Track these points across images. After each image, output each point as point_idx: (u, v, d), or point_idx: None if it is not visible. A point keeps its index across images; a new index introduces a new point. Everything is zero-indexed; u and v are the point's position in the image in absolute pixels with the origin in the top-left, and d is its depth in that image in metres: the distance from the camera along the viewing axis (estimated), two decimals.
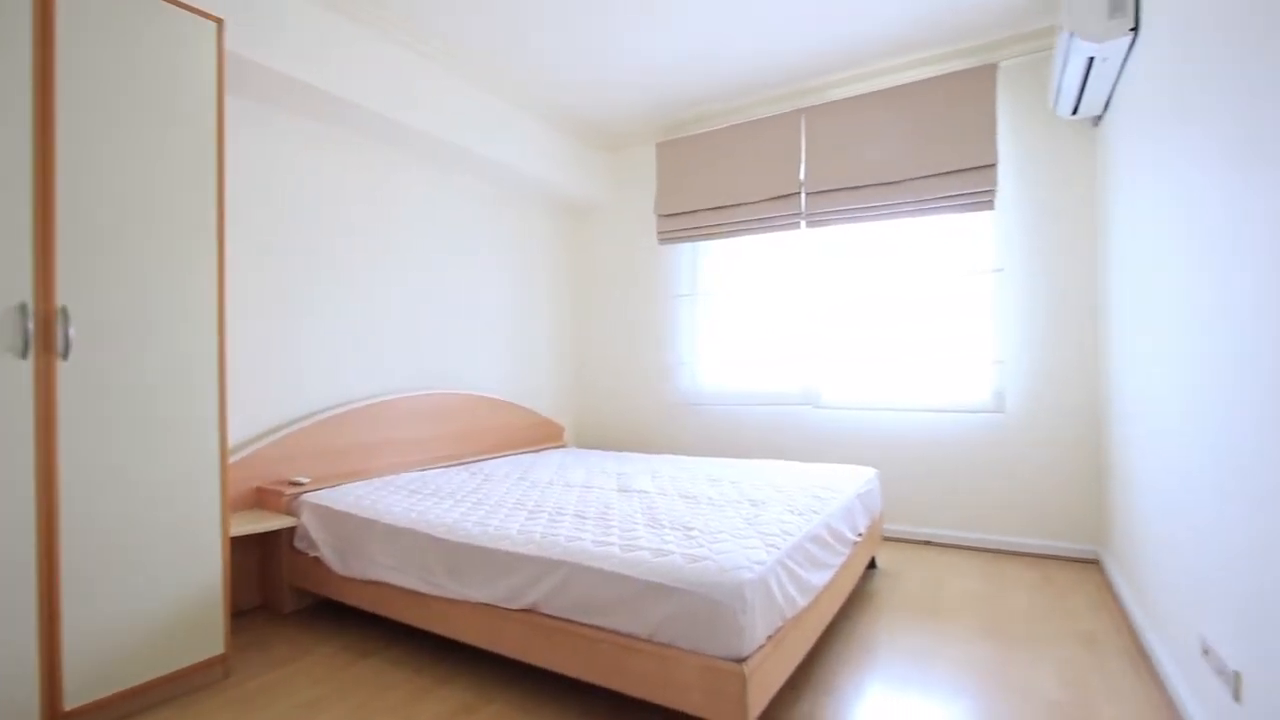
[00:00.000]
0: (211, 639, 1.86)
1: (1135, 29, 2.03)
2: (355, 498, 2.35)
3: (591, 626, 1.61)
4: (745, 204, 3.70)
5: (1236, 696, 1.27)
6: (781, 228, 3.62)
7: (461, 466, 3.12)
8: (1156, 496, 1.88)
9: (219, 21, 1.87)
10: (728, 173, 3.76)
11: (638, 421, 4.30)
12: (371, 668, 1.98)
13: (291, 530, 2.39)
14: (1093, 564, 2.90)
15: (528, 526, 1.94)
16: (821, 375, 3.62)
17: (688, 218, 3.93)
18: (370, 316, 3.05)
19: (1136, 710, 1.67)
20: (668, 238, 4.02)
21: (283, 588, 2.41)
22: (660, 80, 3.44)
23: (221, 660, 1.89)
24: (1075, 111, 2.64)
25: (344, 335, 2.92)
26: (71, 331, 1.57)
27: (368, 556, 2.12)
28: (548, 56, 3.16)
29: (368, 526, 2.15)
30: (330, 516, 2.27)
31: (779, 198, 3.59)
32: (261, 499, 2.48)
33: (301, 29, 2.46)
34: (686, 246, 4.13)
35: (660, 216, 4.05)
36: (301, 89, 2.51)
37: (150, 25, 1.73)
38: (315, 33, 2.51)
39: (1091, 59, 2.20)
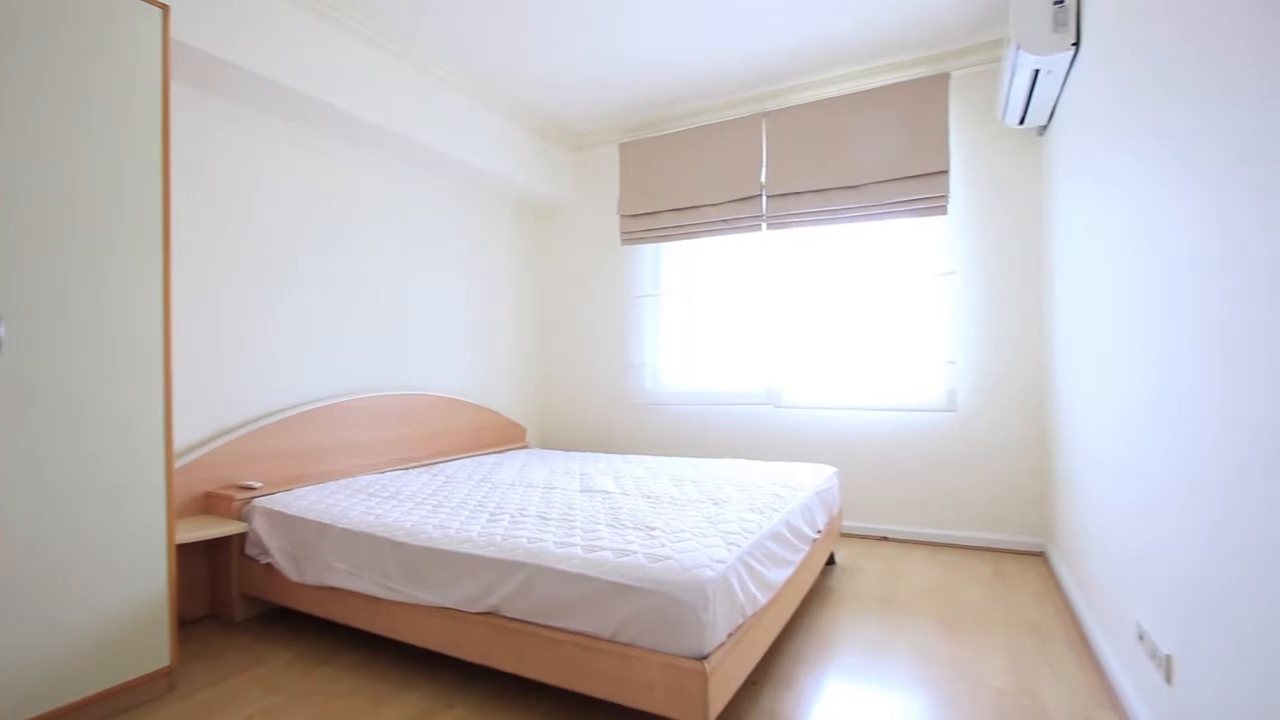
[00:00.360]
0: (156, 651, 1.78)
1: (1077, 44, 2.12)
2: (310, 502, 2.29)
3: (554, 628, 1.60)
4: (707, 206, 3.74)
5: (1168, 679, 1.34)
6: (743, 230, 3.67)
7: (422, 469, 3.07)
8: (1096, 492, 1.97)
9: (164, 8, 1.80)
10: (690, 174, 3.79)
11: (601, 422, 4.30)
12: (327, 675, 1.93)
13: (242, 536, 2.32)
14: (1039, 556, 3.02)
15: (489, 529, 1.92)
16: (783, 375, 3.68)
17: (650, 218, 3.95)
18: (327, 315, 2.97)
19: (1077, 694, 1.75)
20: (631, 238, 4.03)
21: (233, 596, 2.33)
22: (623, 80, 3.45)
23: (167, 673, 1.81)
24: (1022, 121, 2.75)
25: (299, 334, 2.84)
26: (1, 330, 1.49)
27: (323, 562, 2.07)
28: (510, 54, 3.14)
29: (323, 531, 2.09)
30: (283, 521, 2.21)
31: (740, 200, 3.63)
32: (211, 504, 2.39)
33: (258, 22, 2.38)
34: (649, 247, 4.15)
35: (623, 217, 4.05)
36: (257, 82, 2.43)
37: (89, 8, 1.65)
38: (273, 26, 2.43)
39: (1037, 71, 2.30)
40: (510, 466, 3.09)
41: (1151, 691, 1.45)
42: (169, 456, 1.82)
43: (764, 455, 3.71)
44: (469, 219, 3.90)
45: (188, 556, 2.34)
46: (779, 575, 1.88)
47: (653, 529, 1.84)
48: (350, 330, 3.09)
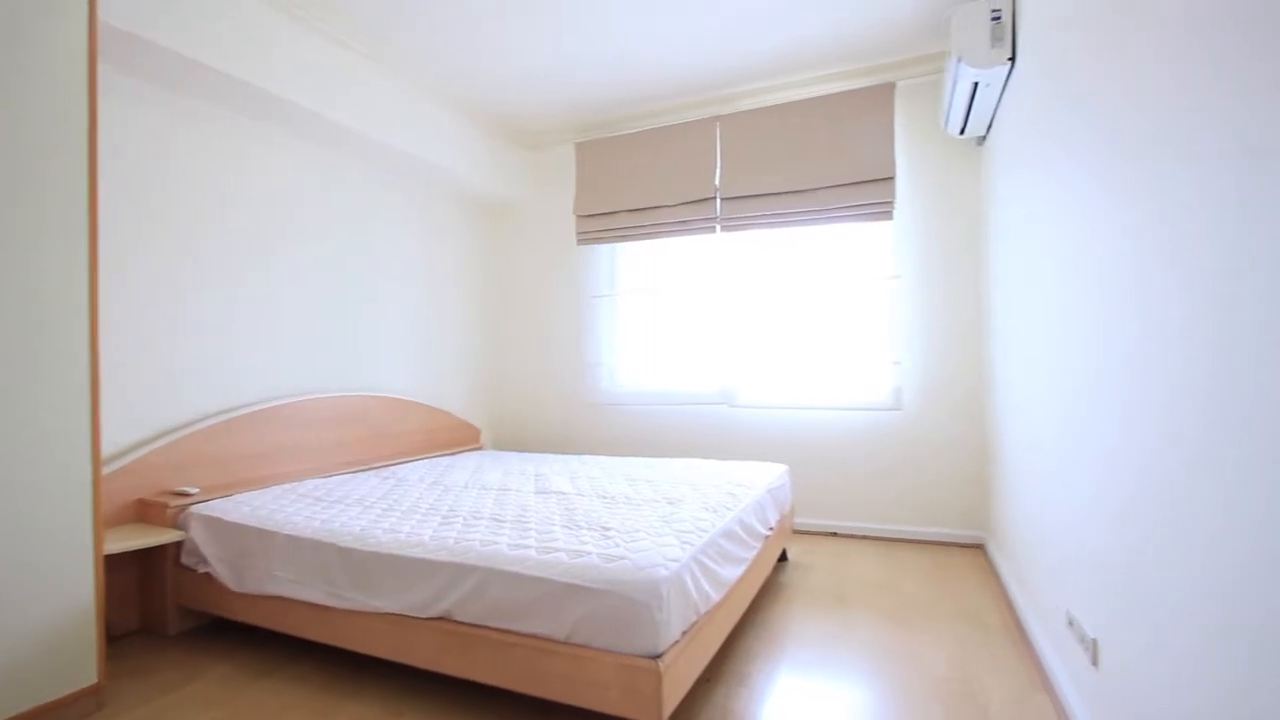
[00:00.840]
0: (82, 668, 1.69)
1: (1013, 59, 2.22)
2: (251, 508, 2.21)
3: (507, 631, 1.58)
4: (663, 207, 3.76)
5: (1094, 661, 1.41)
6: (698, 231, 3.71)
7: (371, 472, 2.99)
8: (1030, 487, 2.07)
9: None
10: (646, 176, 3.81)
11: (556, 422, 4.27)
12: (270, 688, 1.86)
13: (177, 545, 2.21)
14: (979, 549, 3.15)
15: (442, 532, 1.89)
16: (737, 375, 3.73)
17: (606, 219, 3.95)
18: (269, 314, 2.86)
19: (1013, 679, 1.84)
20: (586, 238, 4.02)
21: (167, 608, 2.22)
22: (578, 80, 3.44)
23: (95, 691, 1.72)
24: (963, 131, 2.86)
25: (239, 332, 2.73)
26: None
27: (265, 570, 1.99)
28: (462, 50, 3.09)
29: (265, 538, 2.02)
30: (223, 529, 2.12)
31: (695, 202, 3.67)
32: (143, 512, 2.28)
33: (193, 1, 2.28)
34: (605, 247, 4.15)
35: (579, 217, 4.04)
36: (192, 67, 2.32)
37: None
38: (212, 7, 2.33)
39: (976, 84, 2.40)
40: (464, 468, 3.04)
41: (1080, 674, 1.53)
42: (96, 462, 1.72)
43: (719, 454, 3.76)
44: (421, 217, 3.82)
45: (118, 567, 2.22)
46: (732, 573, 1.91)
47: (608, 529, 1.84)
48: (294, 329, 2.99)
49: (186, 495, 2.32)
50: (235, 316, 2.71)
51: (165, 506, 2.22)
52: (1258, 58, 0.76)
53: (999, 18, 2.20)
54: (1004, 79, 2.34)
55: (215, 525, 2.14)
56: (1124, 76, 1.19)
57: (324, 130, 2.96)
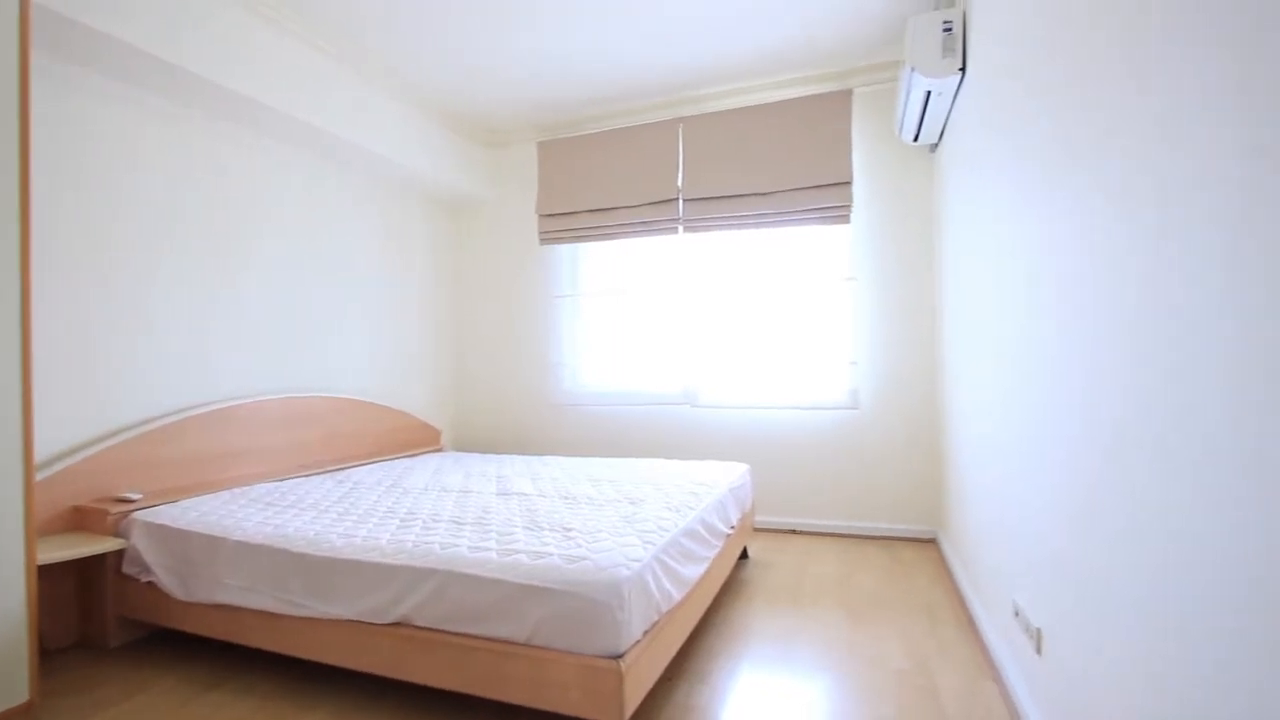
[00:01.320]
0: (13, 686, 1.60)
1: (963, 69, 2.30)
2: (199, 514, 2.13)
3: (467, 635, 1.56)
4: (625, 208, 3.77)
5: (1038, 650, 1.48)
6: (660, 232, 3.73)
7: (327, 475, 2.91)
8: (979, 482, 2.15)
9: None
10: (608, 176, 3.81)
11: (518, 423, 4.23)
12: (218, 701, 1.80)
13: (119, 554, 2.12)
14: (931, 543, 3.24)
15: (399, 535, 1.86)
16: (699, 376, 3.76)
17: (569, 218, 3.93)
18: (220, 311, 2.76)
19: (964, 669, 1.90)
20: (549, 238, 4.00)
21: (107, 619, 2.13)
22: (540, 79, 3.42)
23: (26, 709, 1.63)
24: (917, 138, 2.94)
25: (187, 332, 2.62)
26: None
27: (214, 578, 1.93)
28: (420, 44, 3.03)
29: (214, 545, 1.95)
30: (168, 536, 2.03)
31: (658, 203, 3.69)
32: (81, 520, 2.17)
33: None
34: (568, 247, 4.13)
35: (541, 216, 4.02)
36: (141, 58, 2.23)
37: None
38: (174, 2, 2.24)
39: (929, 92, 2.47)
40: (423, 470, 2.99)
41: (1025, 661, 1.60)
42: (28, 466, 1.64)
43: (681, 454, 3.78)
44: (379, 213, 3.74)
45: (53, 578, 2.11)
46: (694, 571, 1.93)
47: (569, 530, 1.84)
48: (249, 328, 2.89)
49: (129, 501, 2.22)
50: (186, 314, 2.61)
51: (105, 513, 2.12)
52: (1187, 73, 0.80)
53: (950, 29, 2.27)
54: (955, 89, 2.42)
55: (160, 532, 2.05)
56: (1064, 89, 1.25)
57: (284, 127, 2.88)
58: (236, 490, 2.50)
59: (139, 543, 2.07)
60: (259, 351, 2.95)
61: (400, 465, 3.20)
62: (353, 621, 1.70)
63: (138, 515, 2.13)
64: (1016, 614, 1.65)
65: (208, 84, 2.47)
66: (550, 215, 3.98)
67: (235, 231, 2.85)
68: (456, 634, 1.57)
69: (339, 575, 1.73)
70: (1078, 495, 1.21)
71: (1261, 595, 0.66)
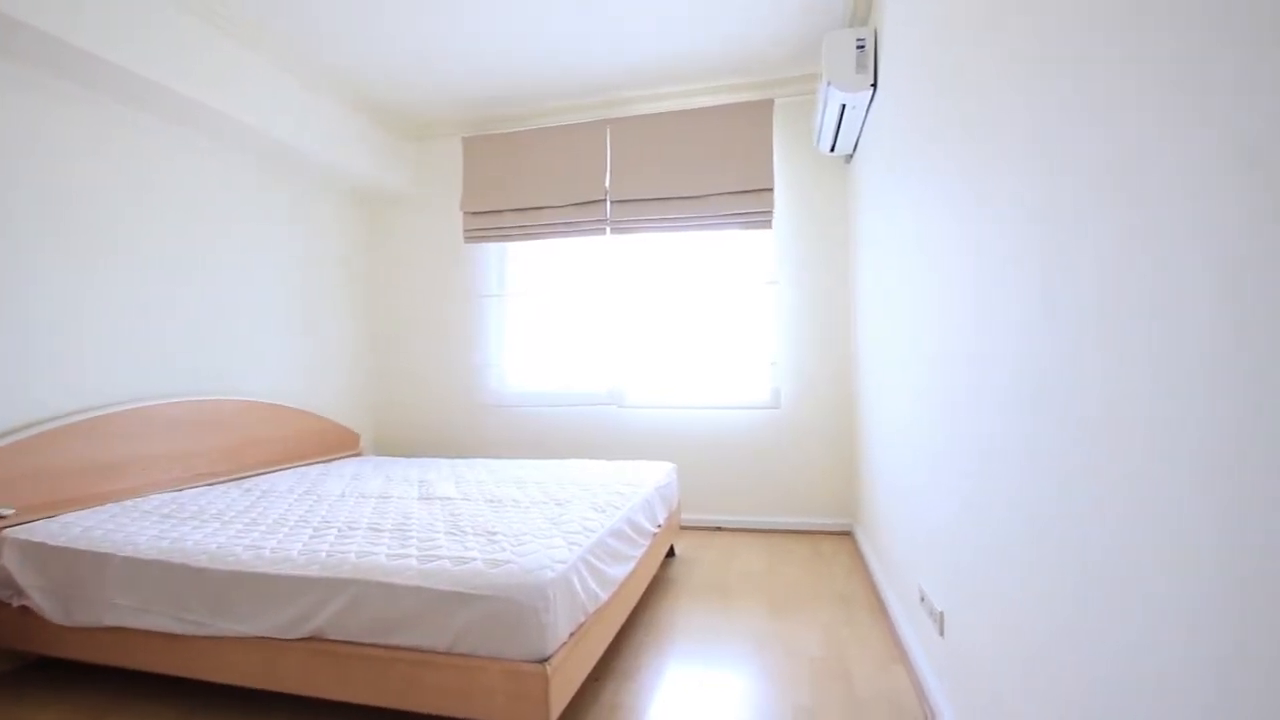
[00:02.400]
0: None
1: (875, 85, 2.43)
2: (83, 529, 1.95)
3: (386, 647, 1.51)
4: (553, 207, 3.74)
5: (941, 632, 1.58)
6: (588, 233, 3.72)
7: (233, 484, 2.74)
8: (887, 475, 2.27)
9: None
10: (536, 175, 3.77)
11: (443, 425, 4.12)
12: None
13: None
14: (848, 535, 3.40)
15: (313, 545, 1.77)
16: (626, 376, 3.78)
17: (495, 217, 3.86)
18: (108, 306, 2.54)
19: (875, 653, 2.01)
20: (474, 236, 3.92)
21: None
22: (464, 71, 3.34)
23: None
24: (833, 149, 3.08)
25: (76, 328, 2.39)
26: None
27: (101, 600, 1.77)
28: (339, 31, 2.90)
29: (101, 563, 1.79)
30: (45, 555, 1.86)
31: (586, 203, 3.68)
32: None
33: None
34: (495, 246, 4.06)
35: (466, 214, 3.93)
36: (19, 30, 2.02)
37: None
38: None
39: (844, 106, 2.59)
40: (340, 476, 2.86)
41: (930, 643, 1.71)
42: None
43: (608, 454, 3.79)
44: (290, 206, 3.55)
45: None
46: (620, 571, 1.94)
47: (494, 534, 1.81)
48: (144, 326, 2.67)
49: None
50: (58, 311, 2.38)
51: None
52: (1051, 106, 0.88)
53: (863, 46, 2.39)
54: (868, 103, 2.55)
55: (36, 551, 1.87)
56: (960, 108, 1.34)
57: (175, 106, 2.67)
58: (127, 503, 2.31)
59: (10, 563, 1.88)
60: (150, 351, 2.73)
61: (315, 471, 3.04)
62: (261, 639, 1.61)
63: (8, 533, 1.93)
64: (922, 599, 1.76)
65: (123, 71, 2.27)
66: (476, 213, 3.90)
67: (140, 224, 2.63)
68: (375, 646, 1.52)
69: (245, 590, 1.63)
70: (970, 484, 1.30)
71: (1127, 567, 0.74)
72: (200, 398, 2.88)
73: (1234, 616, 0.55)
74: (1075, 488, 0.85)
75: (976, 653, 1.30)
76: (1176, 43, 0.63)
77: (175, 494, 2.48)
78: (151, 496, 2.42)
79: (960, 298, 1.37)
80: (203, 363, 2.98)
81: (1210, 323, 0.58)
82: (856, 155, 3.08)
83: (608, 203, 3.65)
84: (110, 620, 1.76)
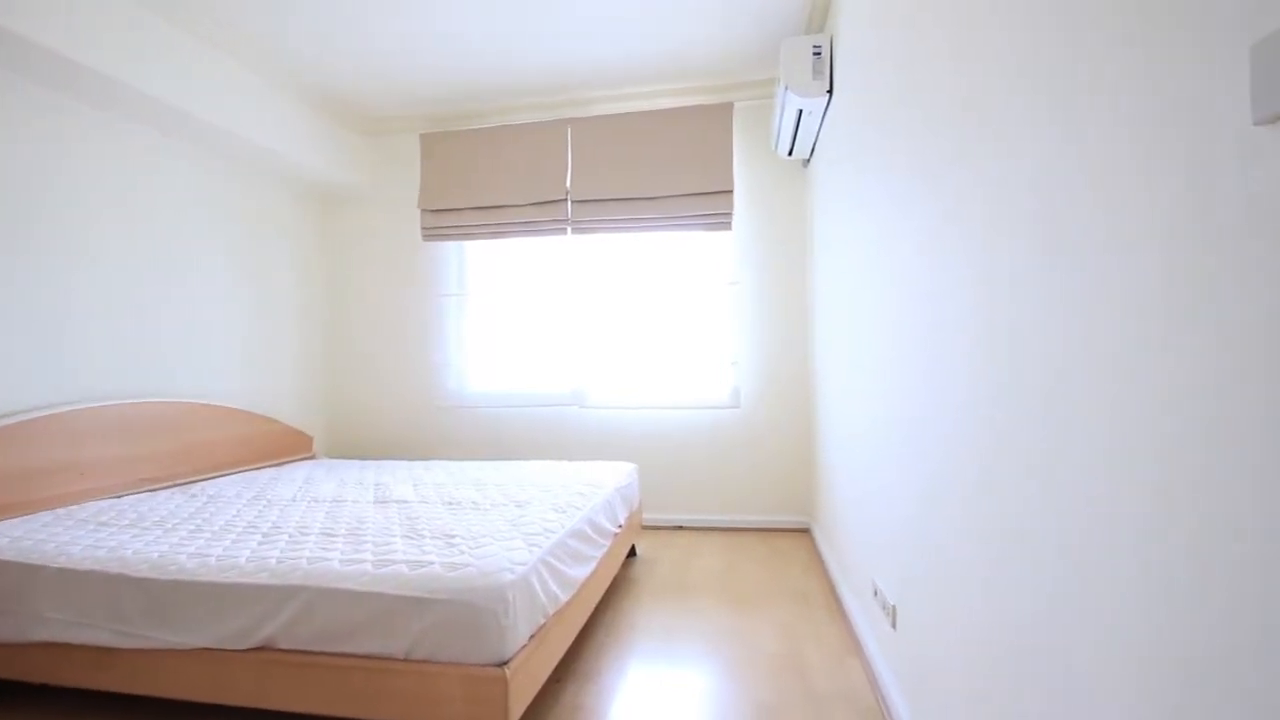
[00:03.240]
0: None
1: (831, 91, 2.48)
2: (9, 539, 1.85)
3: (340, 655, 1.48)
4: (513, 206, 3.70)
5: (894, 625, 1.62)
6: (549, 233, 3.70)
7: (177, 489, 2.63)
8: (843, 473, 2.33)
9: None
10: (496, 173, 3.73)
11: (400, 426, 4.04)
12: None
13: None
14: (806, 533, 3.47)
15: (262, 551, 1.72)
16: (587, 376, 3.78)
17: (453, 215, 3.81)
18: (43, 302, 2.41)
19: (832, 648, 2.05)
20: (432, 234, 3.85)
21: None
22: (422, 66, 3.28)
23: None
24: (791, 153, 3.14)
25: (5, 326, 2.27)
26: None
27: (31, 613, 1.68)
28: (293, 24, 2.81)
29: (29, 574, 1.70)
30: None
31: (546, 203, 3.66)
32: None
33: None
34: (454, 245, 4.00)
35: (424, 212, 3.86)
36: None
37: None
38: None
39: (801, 110, 2.64)
40: (291, 480, 2.77)
41: (883, 637, 1.75)
42: None
43: (569, 455, 3.78)
44: (239, 202, 3.42)
45: None
46: (581, 572, 1.94)
47: (452, 537, 1.79)
48: (81, 325, 2.54)
49: None
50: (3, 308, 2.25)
51: None
52: (1009, 119, 0.92)
53: (819, 53, 2.44)
54: (824, 108, 2.61)
55: None
56: (911, 115, 1.39)
57: (134, 104, 2.56)
58: (60, 511, 2.20)
59: None
60: (84, 352, 2.60)
61: (265, 475, 2.95)
62: (207, 650, 1.55)
63: None
64: (875, 593, 1.81)
65: (66, 61, 2.17)
66: (434, 211, 3.83)
67: (79, 219, 2.50)
68: (328, 654, 1.48)
69: (189, 600, 1.57)
70: (923, 480, 1.35)
71: (1069, 562, 0.77)
72: (141, 400, 2.76)
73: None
74: (1028, 488, 0.89)
75: (930, 645, 1.34)
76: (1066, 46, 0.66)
77: (114, 500, 2.37)
78: (87, 504, 2.31)
79: (912, 299, 1.42)
80: (149, 363, 2.85)
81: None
82: (813, 159, 3.14)
83: (569, 202, 3.63)
84: (41, 635, 1.67)
